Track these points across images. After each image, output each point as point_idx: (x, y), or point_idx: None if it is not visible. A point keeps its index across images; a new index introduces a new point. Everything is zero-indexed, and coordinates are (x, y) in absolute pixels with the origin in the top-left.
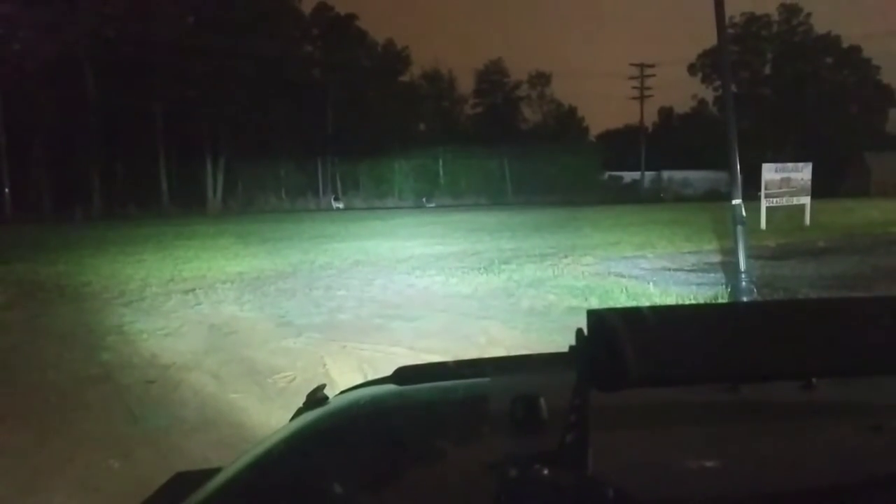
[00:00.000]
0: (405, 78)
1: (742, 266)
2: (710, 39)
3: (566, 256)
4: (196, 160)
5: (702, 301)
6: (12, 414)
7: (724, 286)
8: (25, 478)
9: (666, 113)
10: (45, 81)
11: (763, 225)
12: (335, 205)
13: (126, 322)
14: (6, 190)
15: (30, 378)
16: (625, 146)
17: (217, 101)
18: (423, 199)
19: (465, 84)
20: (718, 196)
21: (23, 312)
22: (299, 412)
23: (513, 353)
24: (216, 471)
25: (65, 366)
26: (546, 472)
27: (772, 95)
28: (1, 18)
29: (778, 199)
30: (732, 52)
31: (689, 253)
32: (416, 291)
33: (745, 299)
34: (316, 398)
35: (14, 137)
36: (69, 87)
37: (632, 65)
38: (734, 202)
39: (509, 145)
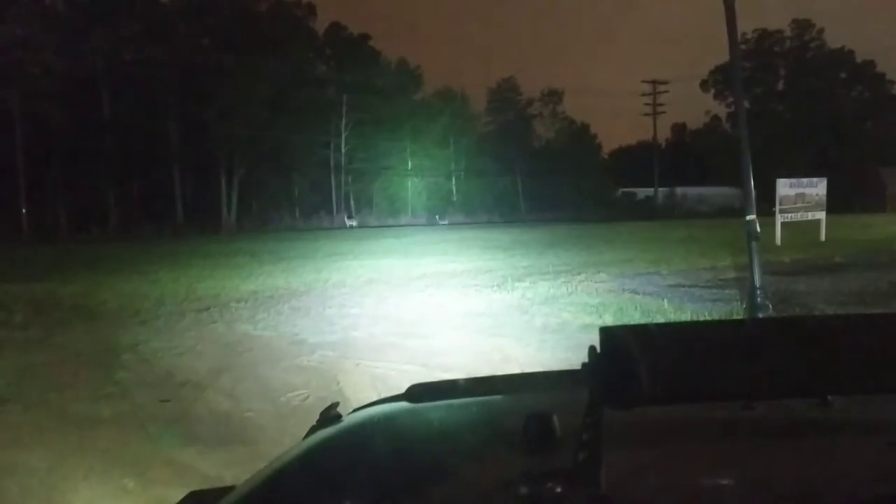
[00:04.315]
0: (418, 96)
1: (757, 282)
2: (722, 55)
3: (580, 273)
4: (211, 179)
5: (717, 317)
6: (29, 433)
7: (739, 302)
8: (40, 497)
9: (679, 129)
10: (61, 102)
11: (778, 240)
12: (349, 223)
13: (141, 341)
14: (23, 210)
15: (46, 397)
16: (638, 162)
17: (232, 120)
18: (437, 217)
19: (478, 102)
20: (733, 212)
21: (39, 331)
22: (312, 430)
23: (526, 370)
24: (229, 489)
25: (81, 384)
26: (559, 490)
27: (785, 111)
28: (19, 40)
29: (793, 215)
30: (745, 68)
31: (704, 269)
32: (430, 309)
33: (760, 315)
34: (329, 416)
35: (31, 158)
36: (85, 108)
37: (644, 81)
38: (748, 218)
39: (522, 162)
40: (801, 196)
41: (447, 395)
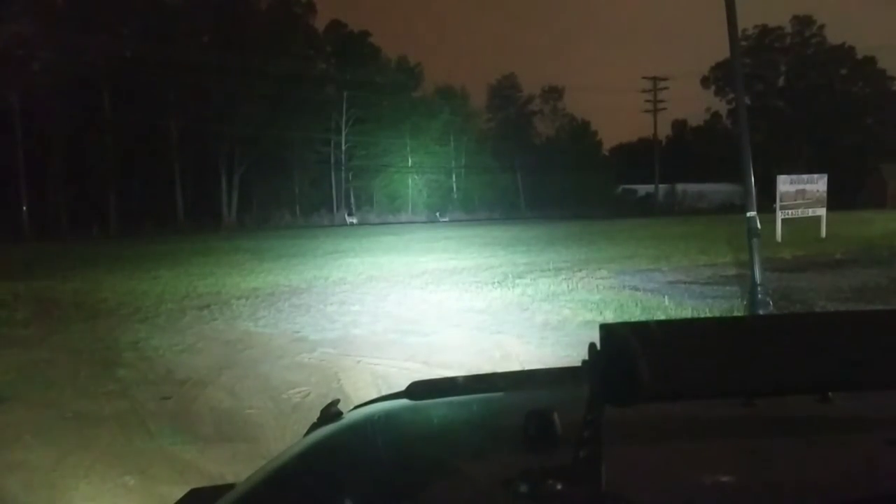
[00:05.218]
0: (418, 93)
1: (757, 278)
2: (723, 52)
3: (580, 270)
4: (211, 177)
5: (717, 314)
6: (30, 431)
7: (739, 299)
8: (42, 495)
9: (679, 126)
10: (62, 101)
11: (778, 237)
12: (349, 220)
13: (142, 338)
14: (24, 208)
15: (47, 395)
16: (638, 159)
17: (232, 118)
18: (437, 214)
19: (478, 99)
20: (733, 208)
21: (40, 329)
22: (313, 427)
23: (527, 367)
24: (230, 487)
25: (81, 382)
26: (559, 487)
27: (786, 107)
28: (19, 39)
29: (793, 211)
30: (745, 65)
31: (705, 266)
32: (431, 306)
33: (761, 312)
34: (330, 413)
35: (31, 156)
36: (86, 107)
37: (645, 78)
38: (749, 214)
39: (522, 159)
40: (802, 192)
41: (448, 393)
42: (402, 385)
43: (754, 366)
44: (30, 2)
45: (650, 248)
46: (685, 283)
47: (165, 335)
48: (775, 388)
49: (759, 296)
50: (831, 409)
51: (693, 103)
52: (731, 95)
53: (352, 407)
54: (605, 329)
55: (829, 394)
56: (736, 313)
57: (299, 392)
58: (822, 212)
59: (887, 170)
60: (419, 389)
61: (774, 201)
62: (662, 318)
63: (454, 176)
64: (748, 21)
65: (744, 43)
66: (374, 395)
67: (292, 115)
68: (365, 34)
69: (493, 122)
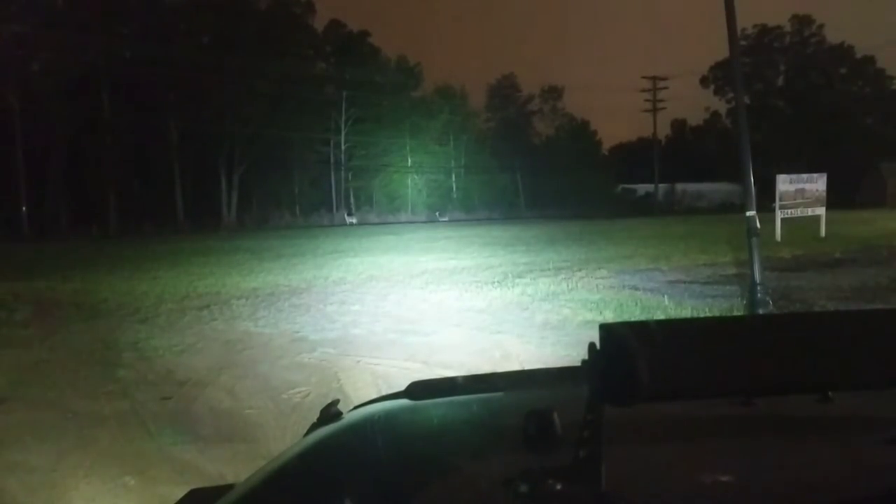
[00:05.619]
0: (418, 93)
1: (757, 278)
2: (722, 51)
3: (580, 270)
4: (211, 177)
5: (717, 314)
6: (30, 431)
7: (739, 298)
8: (42, 495)
9: (679, 125)
10: (61, 101)
11: (778, 236)
12: (349, 220)
13: (142, 338)
14: (24, 208)
15: (47, 395)
16: (638, 159)
17: (232, 118)
18: (437, 214)
19: (478, 99)
20: (732, 208)
21: (40, 329)
22: (313, 427)
23: (527, 367)
24: (230, 487)
25: (81, 382)
26: (559, 487)
27: (785, 107)
28: (19, 39)
29: (793, 211)
30: (745, 64)
31: (704, 265)
32: (431, 306)
33: (760, 311)
34: (330, 414)
35: (31, 156)
36: (85, 107)
37: (644, 77)
38: (748, 214)
39: (522, 159)
40: (801, 192)
41: (447, 393)
42: (401, 385)
43: (754, 366)
44: (30, 2)
45: (650, 248)
46: (685, 282)
47: (165, 335)
48: (775, 388)
49: (759, 295)
50: (831, 409)
51: (692, 103)
52: (731, 95)
53: (352, 407)
54: (605, 329)
55: (829, 394)
56: (736, 313)
57: (299, 392)
58: (821, 211)
59: (887, 169)
60: (419, 389)
61: (774, 201)
62: (662, 317)
63: (454, 176)
64: (747, 20)
65: (743, 42)
66: (374, 395)
67: (292, 115)
68: (365, 34)
69: (492, 121)
